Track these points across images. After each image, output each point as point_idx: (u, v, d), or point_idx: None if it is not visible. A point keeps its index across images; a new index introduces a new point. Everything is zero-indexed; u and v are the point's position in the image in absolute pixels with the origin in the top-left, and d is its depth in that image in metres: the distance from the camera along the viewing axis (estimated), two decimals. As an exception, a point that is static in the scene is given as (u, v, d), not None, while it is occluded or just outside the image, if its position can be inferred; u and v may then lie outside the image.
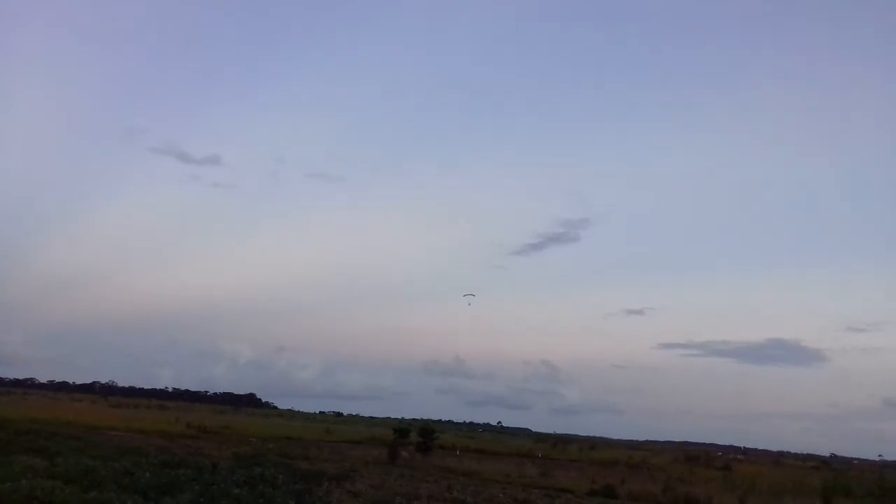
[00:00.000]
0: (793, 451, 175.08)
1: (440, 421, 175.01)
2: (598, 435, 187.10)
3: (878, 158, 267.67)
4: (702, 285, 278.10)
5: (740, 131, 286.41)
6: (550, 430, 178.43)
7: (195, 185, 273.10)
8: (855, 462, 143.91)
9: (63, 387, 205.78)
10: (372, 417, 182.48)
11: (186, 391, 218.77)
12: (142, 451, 28.83)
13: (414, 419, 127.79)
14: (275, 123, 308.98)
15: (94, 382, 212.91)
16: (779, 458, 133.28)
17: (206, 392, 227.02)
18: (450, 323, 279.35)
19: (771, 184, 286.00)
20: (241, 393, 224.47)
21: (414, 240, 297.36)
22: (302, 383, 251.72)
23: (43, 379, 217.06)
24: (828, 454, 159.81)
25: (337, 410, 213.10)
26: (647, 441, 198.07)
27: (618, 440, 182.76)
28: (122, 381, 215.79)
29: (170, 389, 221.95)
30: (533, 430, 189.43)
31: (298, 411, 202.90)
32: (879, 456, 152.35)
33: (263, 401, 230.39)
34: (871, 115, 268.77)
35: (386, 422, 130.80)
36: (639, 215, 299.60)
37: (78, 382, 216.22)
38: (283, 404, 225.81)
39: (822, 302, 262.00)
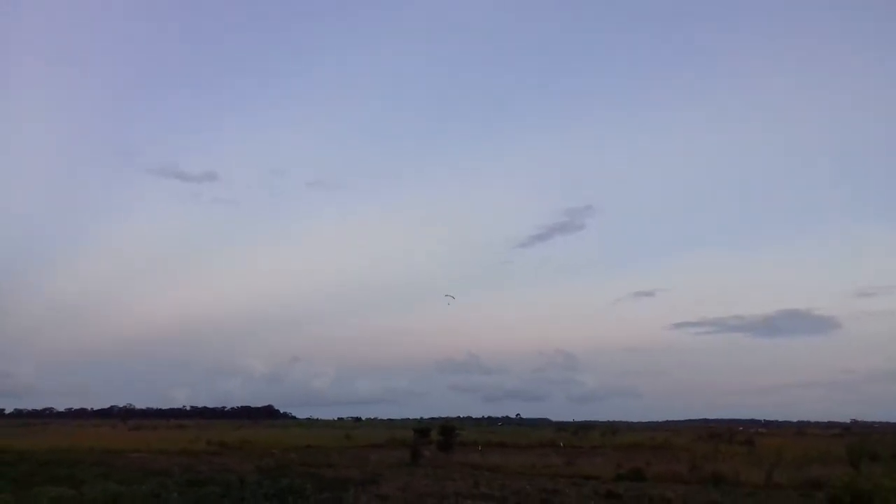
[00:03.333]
0: (813, 420, 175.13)
1: (458, 418, 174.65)
2: (617, 419, 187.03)
3: (880, 120, 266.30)
4: (710, 262, 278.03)
5: (738, 108, 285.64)
6: (570, 419, 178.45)
7: (195, 203, 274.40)
8: (876, 426, 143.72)
9: (81, 414, 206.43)
10: (390, 420, 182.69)
11: (204, 408, 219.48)
12: (167, 472, 28.76)
13: (432, 418, 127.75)
14: (270, 136, 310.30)
15: (111, 407, 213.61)
16: (800, 429, 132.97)
17: (224, 408, 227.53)
18: (461, 320, 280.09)
19: (770, 154, 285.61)
20: (259, 406, 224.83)
21: (418, 241, 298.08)
22: (318, 392, 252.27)
23: (60, 408, 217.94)
24: (848, 420, 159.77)
25: (355, 416, 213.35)
26: (666, 422, 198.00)
27: (638, 423, 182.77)
28: (140, 404, 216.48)
29: (187, 408, 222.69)
30: (552, 419, 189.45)
31: (317, 419, 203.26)
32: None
33: (281, 412, 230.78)
34: (863, 80, 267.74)
35: (404, 423, 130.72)
36: (642, 198, 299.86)
37: (95, 408, 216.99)
38: (301, 414, 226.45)
39: (830, 269, 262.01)
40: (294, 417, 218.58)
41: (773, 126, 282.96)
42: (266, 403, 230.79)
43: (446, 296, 73.44)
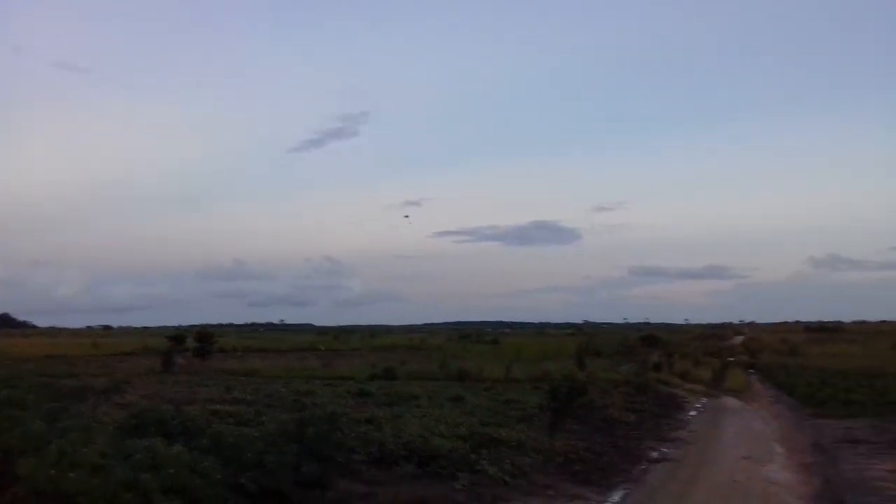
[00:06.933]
0: (553, 321, 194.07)
1: (221, 325, 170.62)
2: (380, 323, 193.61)
3: (628, 44, 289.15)
4: (472, 174, 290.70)
5: (508, 25, 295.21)
6: (334, 324, 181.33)
7: None
8: (604, 326, 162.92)
9: None
10: (146, 328, 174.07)
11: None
12: None
13: (192, 326, 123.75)
14: (8, 8, 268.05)
15: None
16: (541, 329, 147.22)
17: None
18: (228, 226, 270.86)
19: (524, 75, 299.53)
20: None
21: (184, 140, 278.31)
22: (63, 299, 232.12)
23: None
24: (581, 321, 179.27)
25: (106, 324, 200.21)
26: (425, 325, 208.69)
27: (399, 326, 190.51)
28: None
29: None
30: (316, 324, 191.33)
31: (62, 328, 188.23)
32: (624, 319, 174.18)
33: (19, 320, 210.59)
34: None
35: (162, 331, 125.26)
36: (416, 107, 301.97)
37: None
38: (43, 322, 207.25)
39: (575, 185, 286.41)
40: (34, 326, 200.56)
41: (540, 45, 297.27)
42: (1, 311, 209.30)
43: (405, 217, 72.59)
